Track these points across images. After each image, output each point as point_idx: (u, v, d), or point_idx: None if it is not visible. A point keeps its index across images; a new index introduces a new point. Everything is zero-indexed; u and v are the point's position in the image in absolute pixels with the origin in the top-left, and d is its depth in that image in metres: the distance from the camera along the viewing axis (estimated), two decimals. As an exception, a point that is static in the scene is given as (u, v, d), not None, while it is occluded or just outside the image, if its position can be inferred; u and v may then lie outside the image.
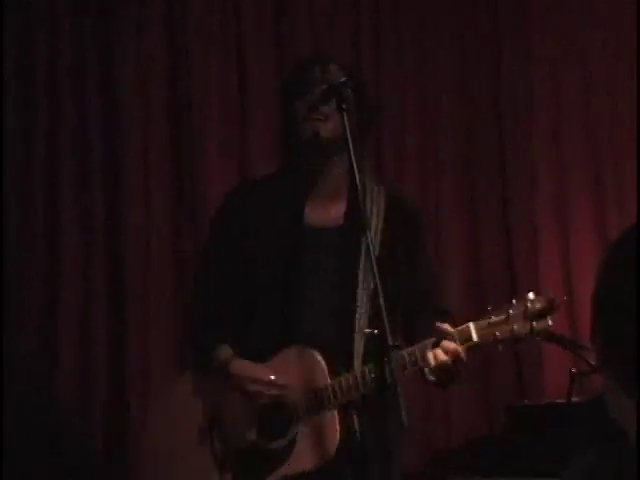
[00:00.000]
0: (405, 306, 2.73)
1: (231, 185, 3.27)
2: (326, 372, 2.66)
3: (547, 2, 4.84)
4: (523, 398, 4.46)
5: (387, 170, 4.64)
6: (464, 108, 4.83)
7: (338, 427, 2.64)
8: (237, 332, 2.81)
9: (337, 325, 2.73)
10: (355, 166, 2.55)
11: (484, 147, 4.82)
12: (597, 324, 1.24)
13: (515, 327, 2.55)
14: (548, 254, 4.70)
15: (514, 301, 2.57)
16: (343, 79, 2.64)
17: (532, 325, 2.54)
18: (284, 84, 2.90)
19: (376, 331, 2.44)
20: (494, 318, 2.56)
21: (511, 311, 2.56)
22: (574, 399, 3.74)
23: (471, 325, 2.58)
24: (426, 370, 2.60)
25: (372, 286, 2.62)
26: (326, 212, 2.82)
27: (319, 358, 2.67)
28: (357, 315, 2.71)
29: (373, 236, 2.68)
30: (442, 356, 2.56)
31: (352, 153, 2.55)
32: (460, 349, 2.56)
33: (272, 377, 2.68)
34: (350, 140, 2.55)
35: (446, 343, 2.56)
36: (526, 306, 2.55)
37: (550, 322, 2.56)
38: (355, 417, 2.67)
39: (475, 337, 2.57)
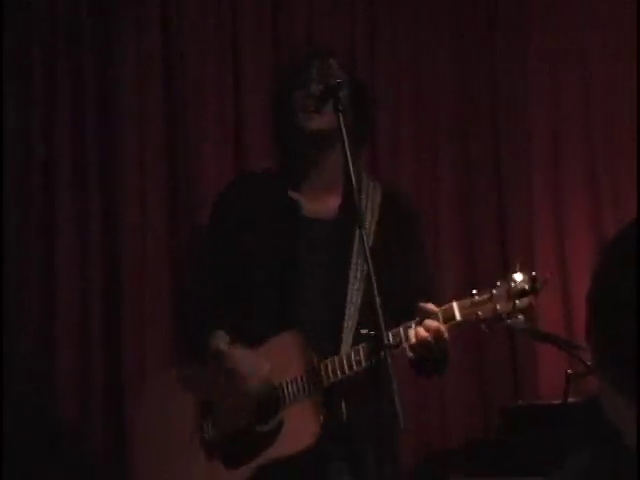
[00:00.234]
0: (398, 305, 2.73)
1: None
2: (314, 355, 2.69)
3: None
4: (518, 399, 4.46)
5: (382, 164, 4.64)
6: (460, 105, 4.84)
7: (321, 410, 2.67)
8: (233, 324, 2.83)
9: (329, 319, 2.76)
10: (350, 165, 2.55)
11: (480, 144, 4.83)
12: (593, 324, 1.24)
13: (498, 306, 2.57)
14: (544, 253, 4.70)
15: (499, 282, 2.59)
16: (339, 80, 2.66)
17: (515, 303, 2.56)
18: (283, 75, 2.91)
19: (372, 332, 2.44)
20: (477, 298, 2.59)
21: (495, 291, 2.58)
22: (570, 400, 3.74)
23: (454, 304, 2.61)
24: (407, 347, 2.60)
25: (364, 282, 2.65)
26: (321, 204, 2.84)
27: (306, 343, 2.70)
28: (347, 310, 2.74)
29: (367, 232, 2.69)
30: (423, 333, 2.57)
31: (348, 153, 2.56)
32: (442, 327, 2.57)
33: (263, 362, 2.71)
34: (346, 141, 2.56)
35: (428, 321, 2.58)
36: (510, 285, 2.58)
37: (532, 301, 2.57)
38: (342, 401, 2.69)
39: (458, 316, 2.59)
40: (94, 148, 4.25)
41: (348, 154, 2.56)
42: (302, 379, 2.69)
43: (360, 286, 2.74)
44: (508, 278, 2.59)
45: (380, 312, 2.41)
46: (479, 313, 2.58)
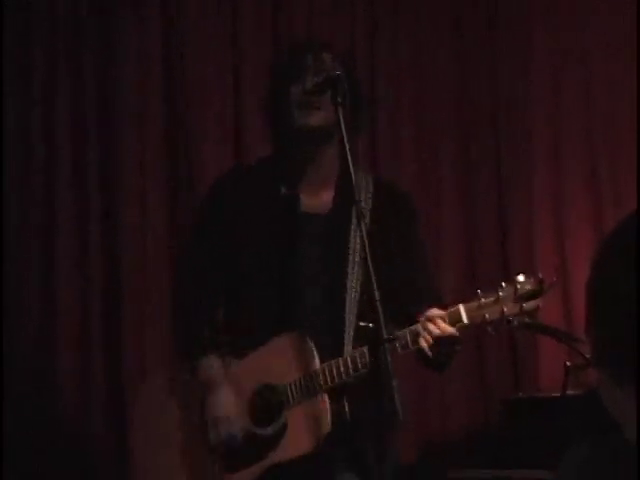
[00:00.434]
0: (399, 293, 2.72)
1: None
2: (317, 357, 2.67)
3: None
4: (518, 391, 4.46)
5: (382, 163, 4.64)
6: (460, 105, 4.85)
7: (329, 411, 2.64)
8: (231, 323, 2.82)
9: (329, 312, 2.74)
10: (350, 160, 2.54)
11: (480, 144, 4.84)
12: (592, 316, 1.24)
13: (505, 308, 2.56)
14: (544, 253, 4.71)
15: (504, 284, 2.58)
16: (338, 72, 2.64)
17: (522, 306, 2.56)
18: (277, 69, 2.88)
19: (371, 324, 2.43)
20: (484, 300, 2.58)
21: (501, 293, 2.57)
22: (569, 392, 3.75)
23: (461, 307, 2.60)
24: (425, 347, 2.60)
25: (362, 276, 2.65)
26: (317, 198, 2.82)
27: (310, 343, 2.68)
28: (347, 303, 2.72)
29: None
30: (433, 338, 2.57)
31: (347, 147, 2.55)
32: (451, 329, 2.57)
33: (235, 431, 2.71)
34: (345, 133, 2.55)
35: (442, 326, 2.57)
36: (516, 287, 2.57)
37: (540, 303, 2.57)
38: (346, 402, 2.68)
39: (465, 319, 2.59)
40: (94, 148, 4.24)
41: (347, 148, 2.55)
42: (305, 381, 2.67)
43: (358, 279, 2.73)
44: (513, 280, 2.58)
45: (379, 307, 2.40)
46: (486, 315, 2.57)
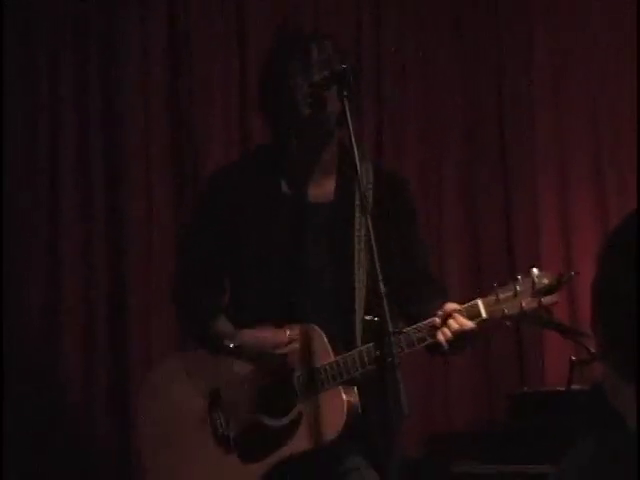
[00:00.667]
0: (402, 280, 2.72)
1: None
2: (329, 349, 2.65)
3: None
4: (524, 385, 4.46)
5: (387, 156, 4.64)
6: (465, 97, 4.85)
7: (345, 403, 2.63)
8: (237, 314, 2.79)
9: (336, 302, 2.73)
10: (356, 153, 2.54)
11: (485, 134, 4.83)
12: (597, 311, 1.24)
13: (524, 303, 2.56)
14: (549, 242, 4.70)
15: (519, 277, 2.57)
16: (344, 66, 2.63)
17: (540, 301, 2.56)
18: (280, 61, 2.85)
19: (376, 318, 2.43)
20: (502, 295, 2.57)
21: (519, 287, 2.56)
22: (574, 387, 3.74)
23: (479, 302, 2.59)
24: (442, 341, 2.59)
25: (367, 265, 2.65)
26: (319, 188, 2.80)
27: (322, 335, 2.66)
28: (356, 293, 2.71)
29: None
30: (455, 334, 2.57)
31: (353, 140, 2.54)
32: (471, 324, 2.57)
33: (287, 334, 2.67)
34: (351, 127, 2.54)
35: (461, 321, 2.57)
36: (534, 282, 2.56)
37: (558, 298, 2.57)
38: (358, 395, 2.66)
39: (484, 313, 2.58)
40: (99, 143, 4.24)
41: (353, 141, 2.54)
42: (318, 374, 2.65)
43: (364, 268, 2.73)
44: (529, 274, 2.57)
45: (385, 300, 2.40)
46: (505, 310, 2.57)
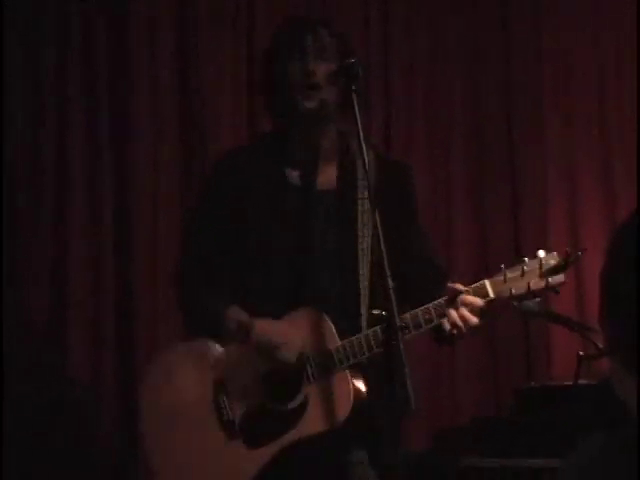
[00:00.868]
0: (404, 265, 2.71)
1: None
2: (335, 334, 2.65)
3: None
4: (531, 380, 4.46)
5: (395, 151, 4.65)
6: (473, 95, 4.86)
7: (352, 387, 2.63)
8: (243, 300, 2.77)
9: (343, 290, 2.73)
10: (364, 146, 2.54)
11: (493, 134, 4.84)
12: (605, 306, 1.24)
13: (531, 283, 2.57)
14: (557, 242, 4.70)
15: (526, 259, 2.59)
16: (353, 59, 2.63)
17: (548, 281, 2.56)
18: (275, 48, 2.82)
19: (384, 312, 2.43)
20: (509, 275, 2.58)
21: (526, 267, 2.57)
22: (581, 381, 3.74)
23: (486, 282, 2.60)
24: (446, 327, 2.60)
25: (371, 253, 2.66)
26: (321, 175, 2.80)
27: (328, 320, 2.66)
28: (361, 280, 2.71)
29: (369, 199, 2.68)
30: (467, 314, 2.57)
31: (361, 133, 2.54)
32: (482, 303, 2.58)
33: (294, 332, 2.66)
34: (359, 120, 2.54)
35: (470, 299, 2.58)
36: (541, 262, 2.57)
37: (565, 278, 2.58)
38: (364, 382, 2.66)
39: (492, 293, 2.59)
40: (107, 144, 4.22)
41: (361, 134, 2.53)
42: (324, 358, 2.64)
43: (367, 256, 2.72)
44: (536, 255, 2.58)
45: (392, 294, 2.39)
46: (512, 290, 2.58)
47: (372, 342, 2.62)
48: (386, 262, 2.42)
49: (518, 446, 3.90)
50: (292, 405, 2.66)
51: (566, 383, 3.94)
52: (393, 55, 4.76)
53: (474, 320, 2.58)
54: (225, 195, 2.81)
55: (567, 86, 4.82)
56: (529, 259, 2.59)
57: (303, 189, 2.79)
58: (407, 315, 2.59)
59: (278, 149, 2.83)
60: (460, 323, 2.58)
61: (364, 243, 2.73)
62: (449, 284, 2.62)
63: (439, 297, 2.62)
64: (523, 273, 2.58)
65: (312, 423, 2.64)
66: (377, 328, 2.60)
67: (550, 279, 2.57)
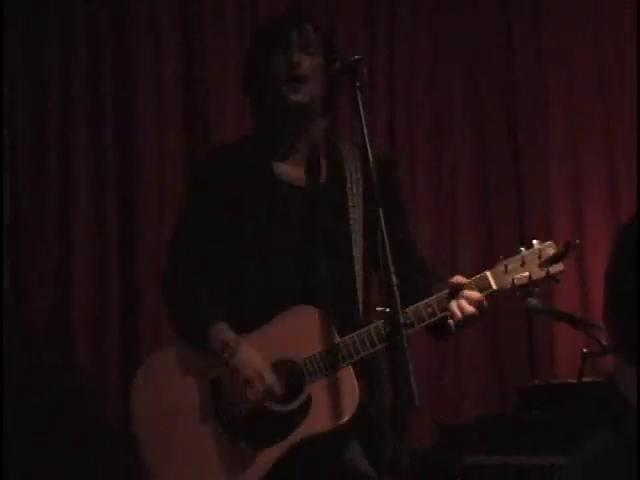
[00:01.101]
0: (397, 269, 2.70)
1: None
2: (334, 330, 2.64)
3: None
4: (535, 378, 4.46)
5: (400, 149, 4.65)
6: (477, 96, 4.86)
7: (357, 388, 2.61)
8: (228, 297, 2.75)
9: (339, 284, 2.71)
10: (367, 143, 2.53)
11: (498, 136, 4.84)
12: (609, 303, 1.25)
13: (532, 273, 2.59)
14: (561, 234, 4.70)
15: (523, 248, 2.60)
16: (357, 57, 2.62)
17: (548, 270, 2.58)
18: (259, 38, 2.82)
19: (388, 309, 2.42)
20: (510, 265, 2.59)
21: (525, 257, 2.59)
22: (585, 379, 3.74)
23: (488, 273, 2.61)
24: (449, 321, 2.60)
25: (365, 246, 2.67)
26: (310, 171, 2.78)
27: (327, 317, 2.64)
28: (356, 273, 2.70)
29: (355, 191, 2.70)
30: (468, 307, 2.58)
31: (365, 131, 2.53)
32: (482, 297, 2.58)
33: (272, 381, 2.63)
34: (363, 117, 2.53)
35: (469, 292, 2.58)
36: (540, 252, 2.59)
37: (564, 267, 2.59)
38: (366, 380, 2.65)
39: (494, 285, 2.60)
40: (111, 142, 4.23)
41: (365, 132, 2.51)
42: (325, 356, 2.62)
43: (360, 250, 2.71)
44: (531, 245, 2.60)
45: (396, 292, 2.38)
46: (515, 281, 2.59)
47: (375, 338, 2.61)
48: (390, 260, 2.41)
49: (522, 444, 3.90)
50: (294, 405, 2.64)
51: (570, 381, 3.94)
52: (398, 55, 4.75)
53: (471, 309, 2.58)
54: (214, 195, 2.78)
55: (568, 86, 4.82)
56: (526, 249, 2.60)
57: (292, 184, 2.77)
58: (409, 310, 2.58)
59: (265, 144, 2.81)
60: (458, 312, 2.58)
61: (357, 238, 2.72)
62: (450, 279, 2.62)
63: (437, 291, 2.63)
64: (523, 263, 2.59)
65: (319, 421, 2.61)
66: (380, 324, 2.59)
67: (550, 268, 2.59)
